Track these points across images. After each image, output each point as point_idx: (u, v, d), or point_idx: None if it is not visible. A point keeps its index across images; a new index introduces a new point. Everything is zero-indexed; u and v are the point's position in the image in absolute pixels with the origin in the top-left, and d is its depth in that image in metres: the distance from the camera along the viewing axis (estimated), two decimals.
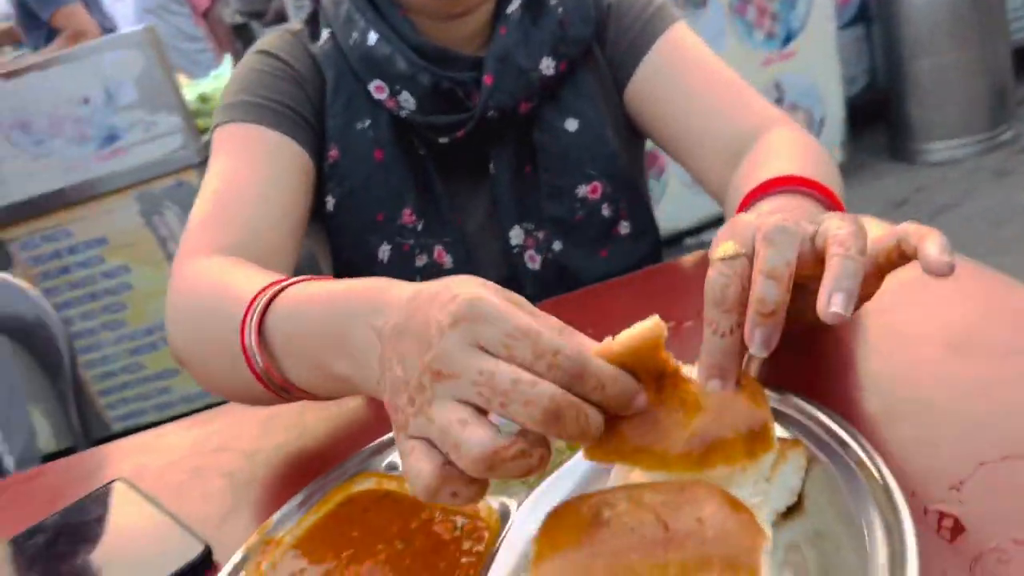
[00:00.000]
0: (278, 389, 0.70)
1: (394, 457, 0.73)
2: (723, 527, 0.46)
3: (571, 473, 0.64)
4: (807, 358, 0.73)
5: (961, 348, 0.68)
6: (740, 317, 0.54)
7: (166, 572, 0.69)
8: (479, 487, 0.50)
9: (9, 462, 1.93)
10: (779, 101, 3.58)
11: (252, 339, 0.67)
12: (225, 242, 0.91)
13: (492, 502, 0.63)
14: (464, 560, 0.59)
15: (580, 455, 0.64)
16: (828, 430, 0.58)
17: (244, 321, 0.69)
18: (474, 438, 0.47)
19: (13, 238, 2.93)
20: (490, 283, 0.54)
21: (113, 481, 0.87)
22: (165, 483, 0.87)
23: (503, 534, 0.59)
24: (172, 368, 3.10)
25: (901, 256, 0.56)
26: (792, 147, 0.90)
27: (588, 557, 0.46)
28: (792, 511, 0.56)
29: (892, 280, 0.61)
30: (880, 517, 0.50)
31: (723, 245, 0.57)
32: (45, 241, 2.95)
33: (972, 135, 3.59)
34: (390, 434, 0.75)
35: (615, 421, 0.53)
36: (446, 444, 0.48)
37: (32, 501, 0.94)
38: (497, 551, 0.57)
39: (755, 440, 0.54)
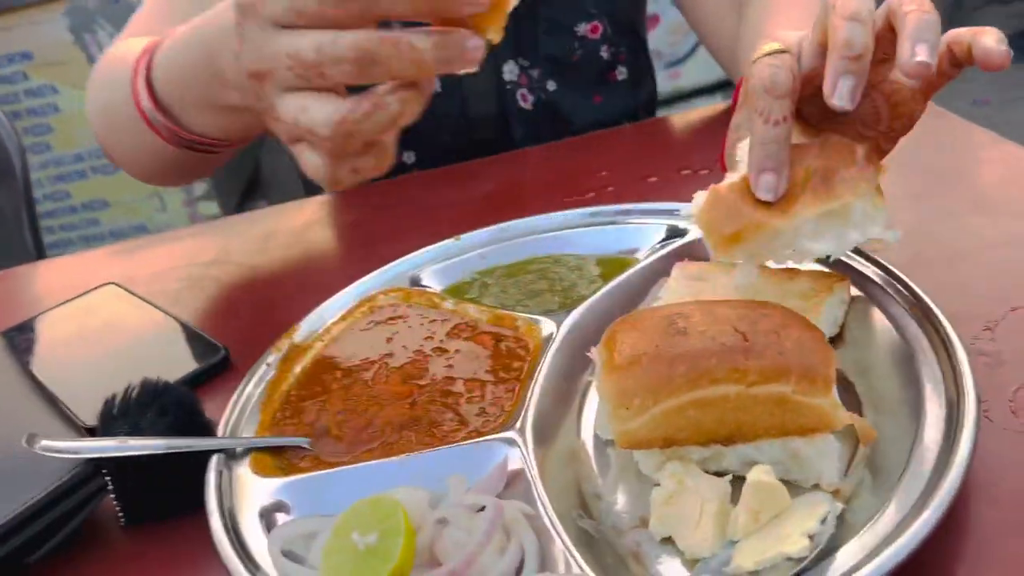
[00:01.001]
0: (185, 143, 0.69)
1: (417, 271, 0.73)
2: (800, 340, 0.48)
3: (609, 296, 0.64)
4: None
5: (983, 206, 0.70)
6: (792, 105, 0.52)
7: (183, 373, 0.68)
8: (377, 151, 0.50)
9: None
10: None
11: (145, 99, 0.66)
12: (148, 30, 0.85)
13: (532, 319, 0.64)
14: (516, 364, 0.60)
15: (615, 283, 0.65)
16: (872, 270, 0.60)
17: (134, 83, 0.67)
18: (318, 118, 0.47)
19: None
20: None
21: (105, 284, 0.84)
22: (159, 290, 0.84)
23: (550, 347, 0.59)
24: (101, 199, 2.96)
25: (952, 62, 0.53)
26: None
27: (667, 362, 0.47)
28: (833, 343, 0.58)
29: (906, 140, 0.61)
30: (930, 347, 0.52)
31: (766, 45, 0.54)
32: None
33: None
34: (415, 252, 0.75)
35: (730, 201, 0.52)
36: (305, 136, 0.48)
37: (10, 301, 0.90)
38: (546, 359, 0.58)
39: (870, 157, 0.53)
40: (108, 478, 0.54)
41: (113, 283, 0.84)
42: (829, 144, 0.54)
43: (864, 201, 0.52)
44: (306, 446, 0.57)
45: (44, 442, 0.53)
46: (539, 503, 0.48)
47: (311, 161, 0.50)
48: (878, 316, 0.57)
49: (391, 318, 0.68)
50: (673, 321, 0.49)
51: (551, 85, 1.05)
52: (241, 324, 0.77)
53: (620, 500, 0.51)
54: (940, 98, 0.62)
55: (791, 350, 0.47)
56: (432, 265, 0.74)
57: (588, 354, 0.54)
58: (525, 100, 1.05)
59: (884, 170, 0.54)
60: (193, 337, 0.73)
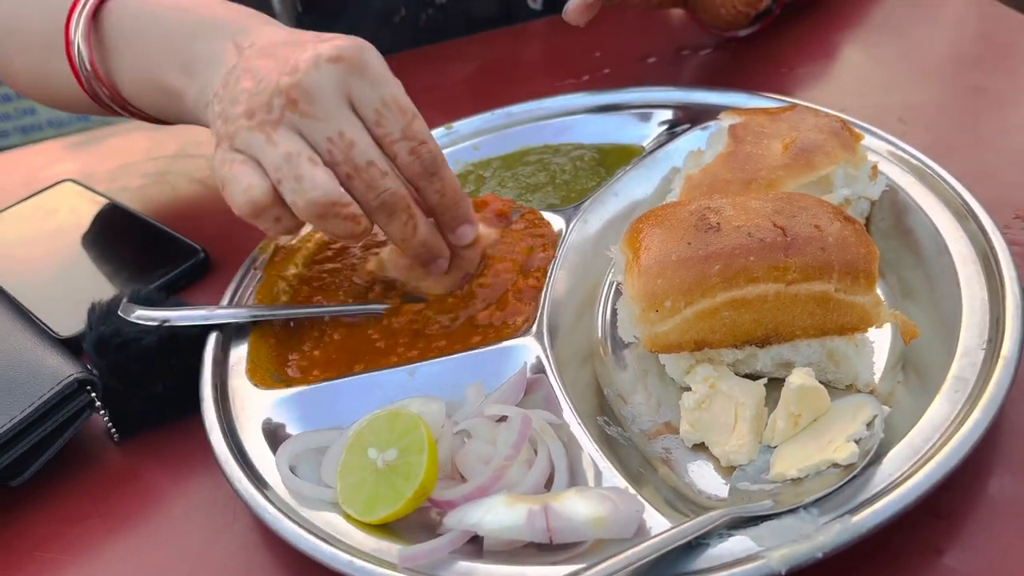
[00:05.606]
0: (97, 91, 0.61)
1: None
2: (841, 234, 0.45)
3: (618, 189, 0.61)
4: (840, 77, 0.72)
5: (1006, 90, 0.67)
6: None
7: (159, 278, 0.63)
8: (300, 223, 0.50)
9: None
10: None
11: (80, 29, 0.58)
12: None
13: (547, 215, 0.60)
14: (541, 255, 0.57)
15: (622, 175, 0.62)
16: (900, 158, 0.57)
17: (72, 8, 0.59)
18: (320, 180, 0.47)
19: None
20: None
21: (62, 181, 0.77)
22: (120, 188, 0.78)
23: (561, 245, 0.56)
24: None
25: None
26: None
27: (700, 261, 0.44)
28: None
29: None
30: (964, 232, 0.50)
31: None
32: None
33: None
34: None
35: (710, 177, 0.53)
36: (285, 172, 0.47)
37: None
38: (559, 259, 0.55)
39: (845, 134, 0.54)
40: (93, 394, 0.50)
41: (71, 180, 0.77)
42: (800, 114, 0.56)
43: (844, 165, 0.53)
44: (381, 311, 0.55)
45: (139, 311, 0.51)
46: (564, 411, 0.46)
47: (254, 182, 0.48)
48: (906, 205, 0.54)
49: None
50: (704, 216, 0.46)
51: None
52: (217, 223, 0.71)
53: (642, 404, 0.48)
54: None
55: (833, 245, 0.44)
56: None
57: (608, 253, 0.50)
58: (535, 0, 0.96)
59: (861, 136, 0.55)
60: (166, 239, 0.67)
